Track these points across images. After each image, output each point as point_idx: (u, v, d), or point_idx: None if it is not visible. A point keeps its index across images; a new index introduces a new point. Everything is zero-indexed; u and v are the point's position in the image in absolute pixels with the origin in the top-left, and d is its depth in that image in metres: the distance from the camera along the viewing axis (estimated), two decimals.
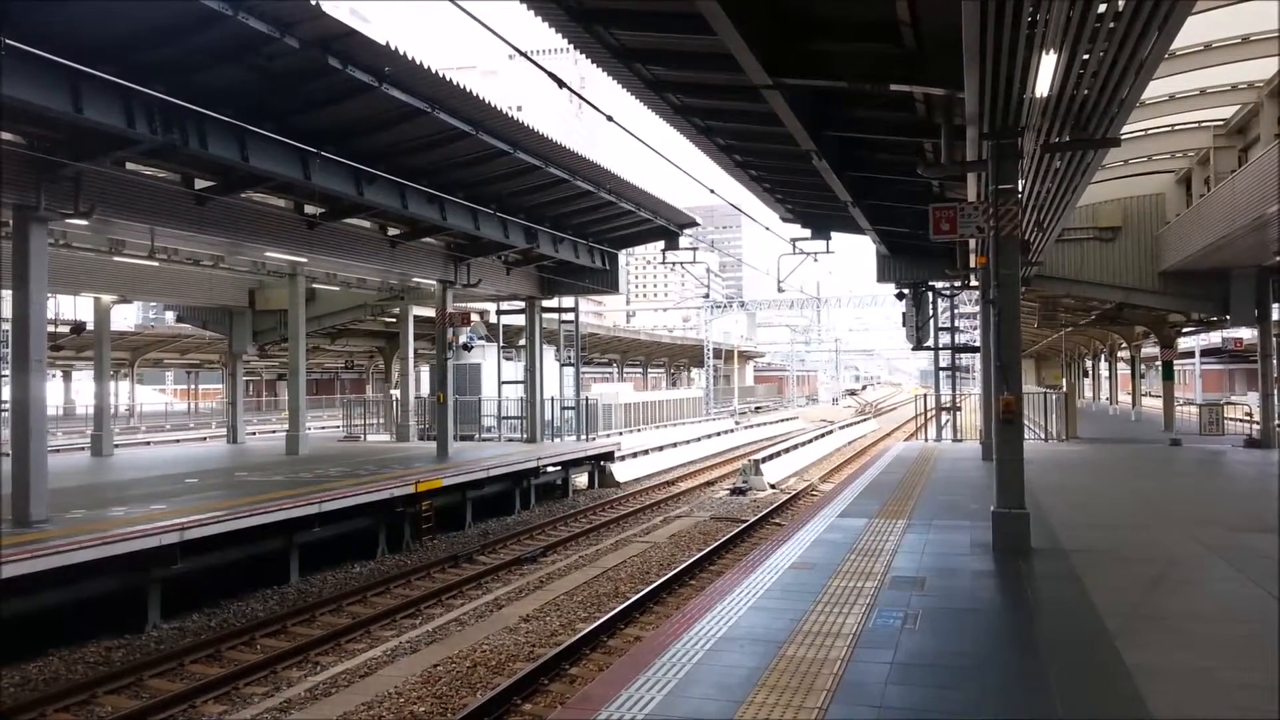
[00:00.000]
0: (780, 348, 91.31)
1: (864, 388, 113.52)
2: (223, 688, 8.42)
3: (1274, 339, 19.93)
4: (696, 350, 60.27)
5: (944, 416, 24.23)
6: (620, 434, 29.66)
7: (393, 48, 9.76)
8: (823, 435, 37.06)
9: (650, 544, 14.91)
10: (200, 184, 12.71)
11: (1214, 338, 40.90)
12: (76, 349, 33.73)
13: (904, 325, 23.16)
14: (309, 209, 14.65)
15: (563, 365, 25.50)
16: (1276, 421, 19.19)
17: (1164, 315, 25.51)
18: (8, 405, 11.08)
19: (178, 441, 30.99)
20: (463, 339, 22.28)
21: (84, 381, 50.36)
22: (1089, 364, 50.04)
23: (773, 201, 18.18)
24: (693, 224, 21.95)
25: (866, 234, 18.87)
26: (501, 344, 25.20)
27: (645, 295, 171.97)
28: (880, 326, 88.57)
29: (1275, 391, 19.41)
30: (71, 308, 29.38)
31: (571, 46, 9.42)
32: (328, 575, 12.94)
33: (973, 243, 14.97)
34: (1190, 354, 46.09)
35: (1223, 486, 14.61)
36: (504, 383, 24.52)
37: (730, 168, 14.79)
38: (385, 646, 9.44)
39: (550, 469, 20.14)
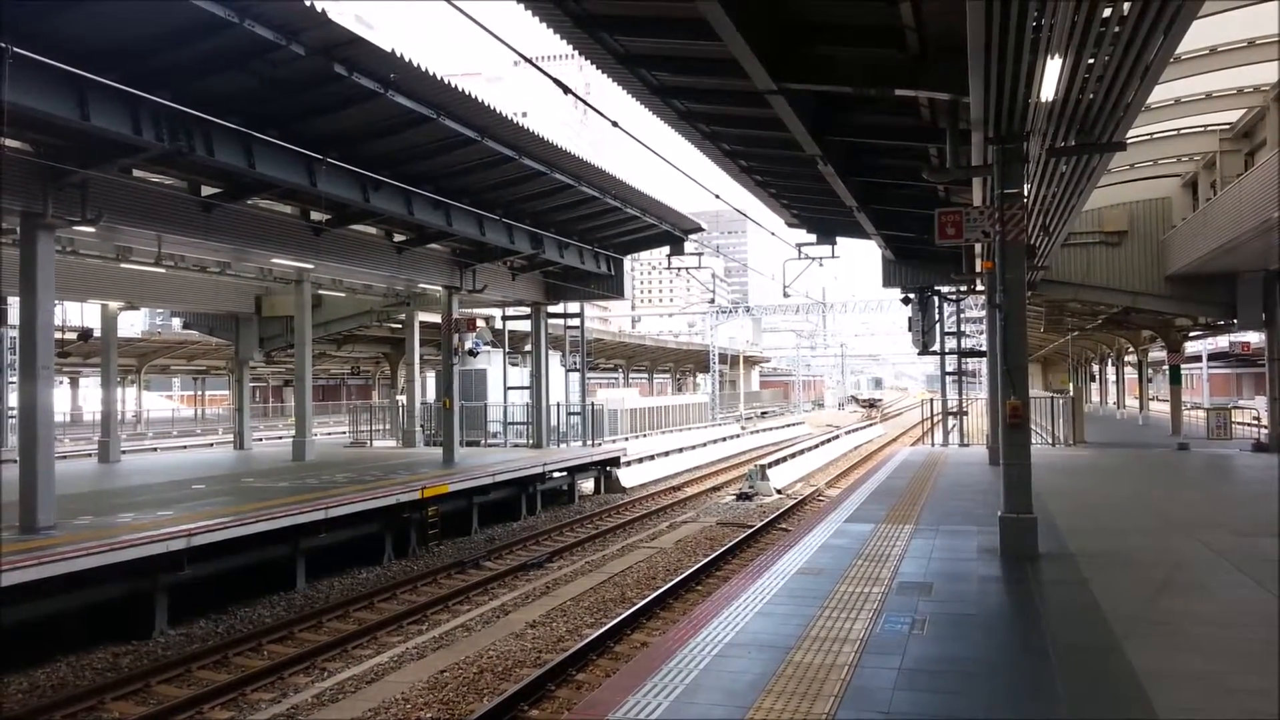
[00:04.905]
0: (786, 353, 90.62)
1: (879, 398, 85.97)
2: (230, 694, 8.43)
3: None
4: (702, 355, 60.20)
5: (950, 421, 24.18)
6: (626, 439, 29.63)
7: (398, 54, 9.80)
8: (829, 440, 36.99)
9: (657, 549, 14.90)
10: (206, 190, 12.76)
11: (1221, 342, 40.70)
12: (83, 355, 33.83)
13: (910, 330, 23.13)
14: (315, 215, 14.70)
15: (568, 370, 25.53)
16: None
17: (1170, 319, 25.43)
18: (15, 412, 11.12)
19: (184, 447, 31.08)
20: (468, 344, 22.36)
21: (91, 388, 50.56)
22: (1096, 368, 49.89)
23: (778, 207, 18.17)
24: (698, 229, 21.97)
25: (872, 239, 18.85)
26: (507, 349, 25.24)
27: (650, 300, 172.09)
28: (886, 331, 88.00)
29: None
30: (79, 314, 29.51)
31: (576, 53, 9.44)
32: (334, 581, 12.95)
33: (978, 247, 15.03)
34: (1197, 358, 45.93)
35: (1230, 491, 14.54)
36: (510, 388, 24.57)
37: (735, 173, 14.79)
38: (392, 653, 9.43)
39: (556, 474, 20.14)
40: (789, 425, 50.31)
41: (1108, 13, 6.34)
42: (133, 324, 42.82)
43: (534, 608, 11.15)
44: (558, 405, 24.47)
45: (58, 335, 13.28)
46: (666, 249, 22.91)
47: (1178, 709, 4.70)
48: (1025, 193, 10.21)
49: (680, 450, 30.56)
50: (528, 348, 24.42)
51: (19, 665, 8.97)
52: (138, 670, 9.00)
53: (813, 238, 20.45)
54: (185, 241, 13.57)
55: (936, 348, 23.03)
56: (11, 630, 8.69)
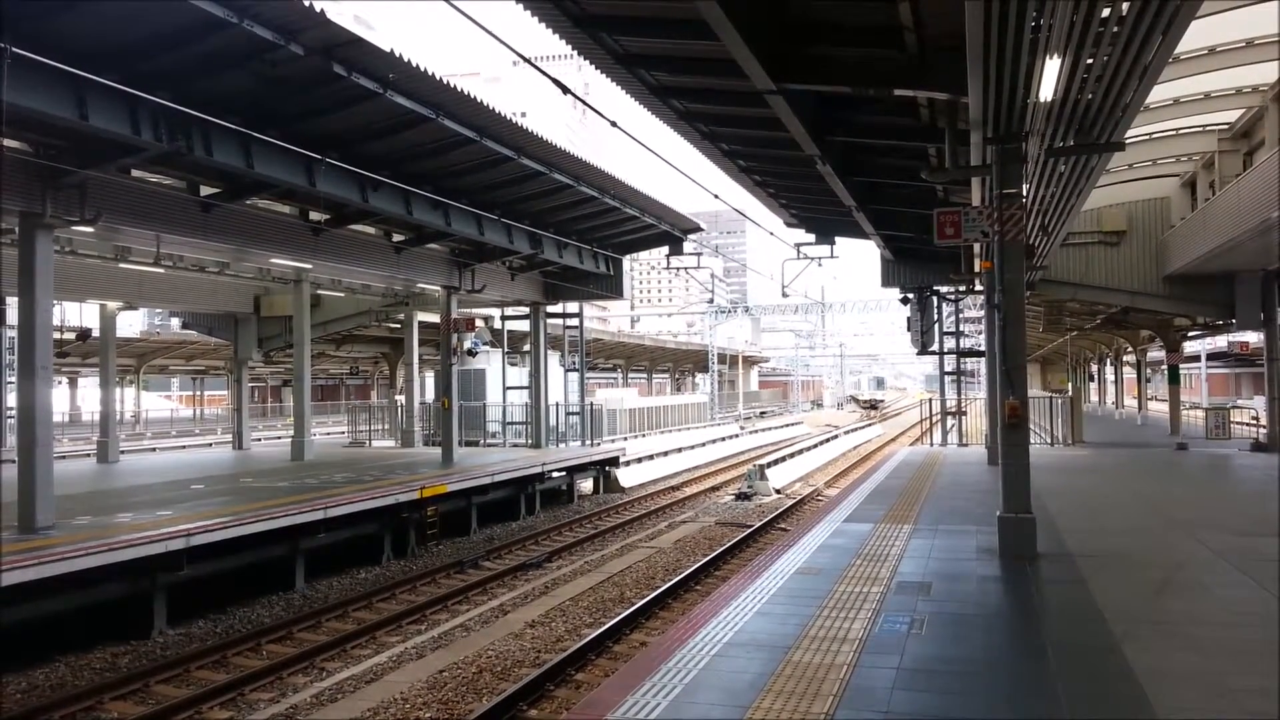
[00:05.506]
0: (785, 353, 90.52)
1: (881, 399, 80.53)
2: (229, 694, 8.43)
3: None
4: (701, 355, 60.21)
5: (949, 421, 24.19)
6: (625, 439, 29.64)
7: (397, 54, 9.79)
8: (827, 440, 36.98)
9: (655, 549, 14.90)
10: (205, 190, 12.75)
11: (1219, 341, 40.75)
12: (82, 355, 33.82)
13: (909, 330, 23.14)
14: (314, 215, 14.69)
15: (567, 370, 25.51)
16: None
17: (1169, 319, 25.45)
18: (13, 412, 11.10)
19: (183, 448, 31.05)
20: (467, 344, 22.34)
21: (90, 388, 50.52)
22: (1094, 368, 49.93)
23: (777, 207, 18.18)
24: (696, 229, 21.97)
25: (871, 239, 18.86)
26: (506, 349, 25.22)
27: (649, 300, 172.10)
28: (885, 331, 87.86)
29: None
30: (78, 314, 29.49)
31: (575, 53, 9.44)
32: (333, 581, 12.95)
33: (977, 247, 15.01)
34: (1196, 358, 45.98)
35: (1229, 490, 14.55)
36: (508, 388, 24.55)
37: (734, 173, 14.79)
38: (391, 652, 9.44)
39: (555, 474, 20.14)
40: (788, 425, 50.32)
41: (1106, 13, 6.35)
42: (131, 324, 42.78)
43: (533, 608, 11.15)
44: (556, 405, 24.46)
45: (56, 335, 13.28)
46: (665, 249, 22.91)
47: (1177, 709, 4.71)
48: (1024, 193, 10.19)
49: (679, 450, 30.56)
50: (526, 348, 24.41)
51: (18, 665, 8.96)
52: (137, 670, 9.00)
53: (811, 237, 20.47)
54: (184, 241, 13.56)
55: (935, 348, 23.05)
56: (10, 630, 8.68)
